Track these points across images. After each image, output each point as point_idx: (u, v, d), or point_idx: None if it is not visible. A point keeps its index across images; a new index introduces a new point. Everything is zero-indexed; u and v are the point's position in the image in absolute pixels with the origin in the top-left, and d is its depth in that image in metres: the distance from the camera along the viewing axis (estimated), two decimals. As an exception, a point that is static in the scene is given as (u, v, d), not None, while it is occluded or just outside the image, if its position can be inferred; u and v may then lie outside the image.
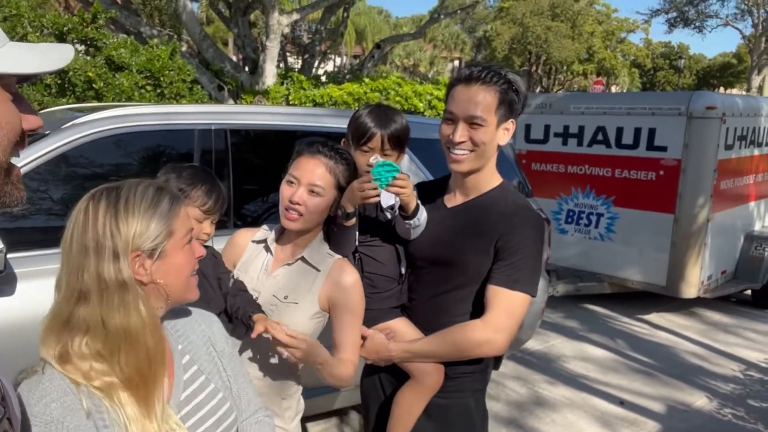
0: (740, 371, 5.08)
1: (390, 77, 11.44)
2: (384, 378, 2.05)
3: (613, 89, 39.08)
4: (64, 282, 1.11)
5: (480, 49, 41.00)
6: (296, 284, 1.81)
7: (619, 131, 6.51)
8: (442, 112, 2.48)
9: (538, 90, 34.71)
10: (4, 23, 5.26)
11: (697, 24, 34.77)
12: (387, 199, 1.89)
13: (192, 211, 1.74)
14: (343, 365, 1.81)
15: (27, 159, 2.66)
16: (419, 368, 1.86)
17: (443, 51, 42.19)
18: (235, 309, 1.78)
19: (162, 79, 6.44)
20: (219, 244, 2.08)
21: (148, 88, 6.32)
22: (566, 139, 6.95)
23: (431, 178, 3.01)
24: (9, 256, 2.34)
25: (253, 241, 1.94)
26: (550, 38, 33.87)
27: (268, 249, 1.90)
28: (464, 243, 1.84)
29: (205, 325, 1.40)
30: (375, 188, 1.75)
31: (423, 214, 1.87)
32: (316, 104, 10.42)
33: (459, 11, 16.44)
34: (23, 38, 5.38)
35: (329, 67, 21.49)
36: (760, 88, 31.28)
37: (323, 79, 13.05)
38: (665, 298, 6.55)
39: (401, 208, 1.84)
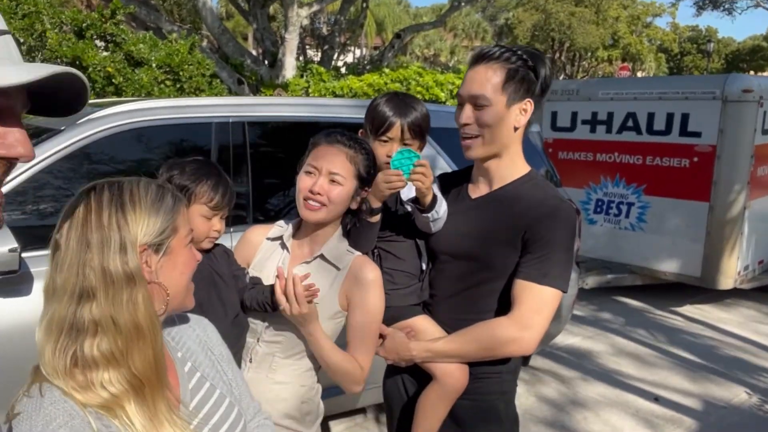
0: (782, 365, 4.88)
1: (410, 67, 11.28)
2: (406, 379, 1.96)
3: (639, 75, 38.31)
4: (61, 283, 1.02)
5: (501, 37, 40.51)
6: (315, 283, 1.71)
7: (651, 117, 6.30)
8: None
9: (561, 77, 34.20)
10: (23, 20, 5.25)
11: (726, 6, 33.87)
12: (408, 191, 1.81)
13: (199, 209, 1.67)
14: (350, 365, 1.71)
15: (43, 155, 2.61)
16: (442, 369, 1.76)
17: (464, 40, 41.75)
18: (254, 300, 1.71)
19: (181, 73, 6.39)
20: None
21: (168, 83, 6.27)
22: (594, 127, 6.76)
23: (455, 168, 2.89)
24: (24, 255, 2.28)
25: (268, 239, 1.86)
26: (574, 24, 33.31)
27: (284, 246, 1.81)
28: (489, 236, 1.73)
29: (200, 329, 1.33)
30: (400, 176, 1.66)
31: (442, 207, 1.76)
32: (336, 96, 10.33)
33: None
34: (42, 35, 5.36)
35: (349, 59, 21.38)
36: (793, 71, 30.35)
37: (343, 70, 12.94)
38: (700, 290, 6.33)
39: (417, 201, 1.74)
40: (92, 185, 1.08)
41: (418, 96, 10.16)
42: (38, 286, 2.38)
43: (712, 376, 4.63)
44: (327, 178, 1.67)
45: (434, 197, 1.71)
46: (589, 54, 37.68)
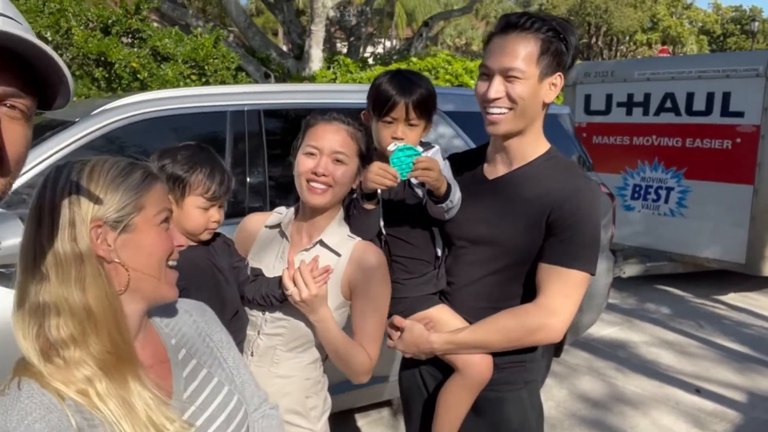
0: (835, 356, 4.60)
1: (439, 55, 11.09)
2: (425, 371, 1.85)
3: (680, 58, 37.03)
4: (22, 264, 0.99)
5: (535, 24, 39.64)
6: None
7: (690, 97, 6.05)
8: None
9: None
10: (49, 18, 5.30)
11: (771, -17, 32.38)
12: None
13: (195, 200, 1.58)
14: (359, 354, 1.63)
15: (56, 147, 2.59)
16: (465, 360, 1.66)
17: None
18: (258, 293, 1.64)
19: (206, 67, 6.39)
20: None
21: (193, 77, 6.28)
22: (630, 109, 6.53)
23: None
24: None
25: (267, 227, 1.78)
26: (611, 7, 32.46)
27: (283, 234, 1.74)
28: (510, 219, 1.62)
29: (197, 314, 1.27)
30: (394, 174, 1.54)
31: (456, 195, 1.65)
32: (364, 87, 10.21)
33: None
34: (67, 32, 5.41)
35: (380, 50, 21.25)
36: None
37: (370, 61, 12.83)
38: (744, 277, 6.06)
39: (430, 192, 1.62)
40: (60, 163, 1.03)
41: (447, 84, 9.98)
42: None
43: (758, 366, 4.40)
44: (330, 158, 1.59)
45: (448, 186, 1.60)
46: (627, 38, 36.68)
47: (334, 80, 10.57)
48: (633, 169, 6.55)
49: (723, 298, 6.03)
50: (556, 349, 3.73)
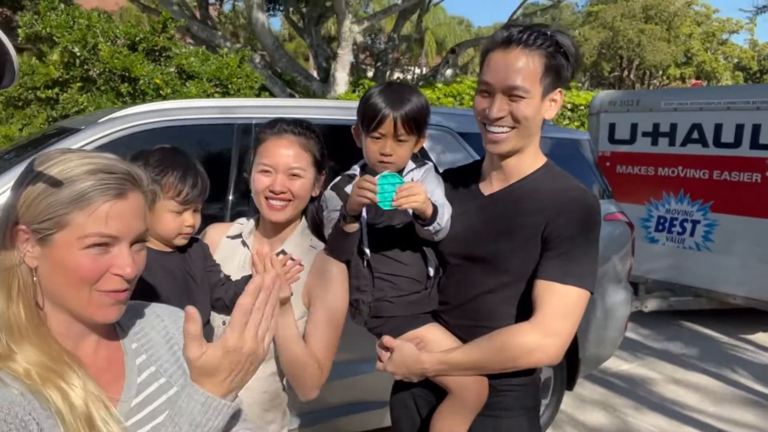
0: None
1: (464, 81, 11.09)
2: (417, 395, 1.76)
3: (714, 93, 36.46)
4: None
5: (567, 56, 39.62)
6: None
7: (718, 128, 5.88)
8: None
9: (629, 96, 33.01)
10: (77, 33, 5.43)
11: (810, 20, 31.88)
12: None
13: (167, 204, 1.54)
14: (310, 365, 1.56)
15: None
16: (458, 382, 1.56)
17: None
18: (227, 295, 1.62)
19: (230, 86, 6.46)
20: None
21: (216, 95, 6.34)
22: (656, 139, 6.37)
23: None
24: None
25: (228, 237, 1.76)
26: (644, 41, 32.23)
27: (244, 244, 1.72)
28: (505, 235, 1.54)
29: (169, 320, 1.20)
30: (372, 195, 1.48)
31: (445, 217, 1.59)
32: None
33: (538, 13, 15.81)
34: (94, 48, 5.52)
35: (408, 77, 21.37)
36: None
37: (396, 85, 12.88)
38: (774, 316, 5.78)
39: (416, 215, 1.55)
40: (41, 153, 1.01)
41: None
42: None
43: (786, 411, 4.16)
44: (285, 174, 1.60)
45: (434, 209, 1.54)
46: (660, 72, 36.33)
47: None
48: (658, 200, 6.37)
49: (750, 337, 5.77)
50: (569, 381, 3.57)
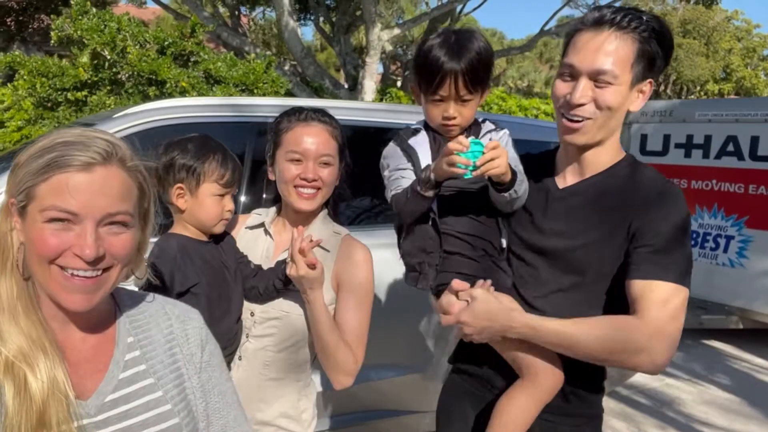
0: None
1: (493, 91, 10.98)
2: (469, 400, 1.61)
3: (754, 109, 35.63)
4: None
5: (601, 70, 39.20)
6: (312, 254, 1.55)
7: (755, 141, 5.68)
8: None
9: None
10: (107, 35, 5.51)
11: None
12: None
13: (210, 188, 1.56)
14: (344, 350, 1.54)
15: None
16: (535, 364, 1.41)
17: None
18: (269, 282, 1.59)
19: (255, 91, 6.50)
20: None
21: (242, 100, 6.40)
22: (690, 151, 6.19)
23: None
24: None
25: (247, 227, 1.74)
26: (681, 56, 31.69)
27: (267, 233, 1.71)
28: (583, 231, 1.42)
29: (178, 322, 1.13)
30: (464, 164, 1.32)
31: (524, 185, 1.45)
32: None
33: (571, 23, 15.50)
34: (122, 52, 5.60)
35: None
36: None
37: (424, 94, 12.85)
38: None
39: (491, 179, 1.40)
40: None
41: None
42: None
43: (824, 438, 3.93)
44: (317, 162, 1.58)
45: (513, 174, 1.40)
46: (698, 87, 35.63)
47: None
48: (690, 214, 6.16)
49: (786, 359, 5.51)
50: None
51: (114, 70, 5.63)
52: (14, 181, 0.94)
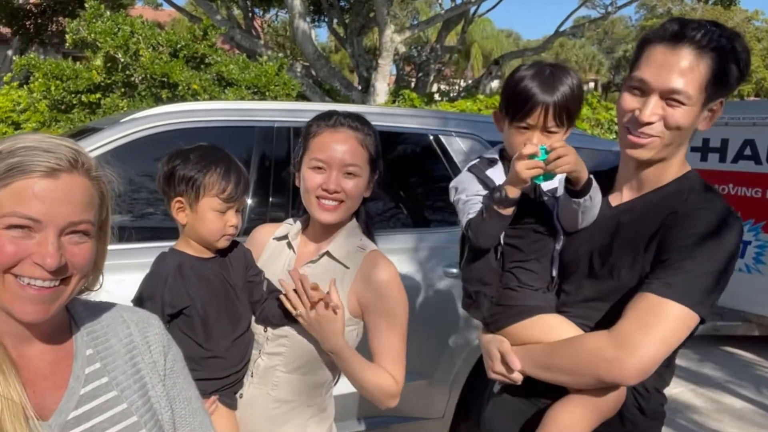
0: None
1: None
2: (517, 407, 1.56)
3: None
4: None
5: (618, 70, 38.84)
6: (318, 285, 1.48)
7: (773, 145, 5.55)
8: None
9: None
10: (120, 38, 5.56)
11: None
12: (550, 181, 1.46)
13: (210, 202, 1.47)
14: (384, 379, 1.47)
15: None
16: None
17: (578, 72, 40.10)
18: (274, 317, 1.53)
19: (267, 93, 6.51)
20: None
21: (254, 102, 6.42)
22: (706, 154, 6.09)
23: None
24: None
25: (275, 238, 1.66)
26: (699, 56, 31.25)
27: (290, 246, 1.62)
28: (622, 252, 1.38)
29: (137, 329, 1.09)
30: (538, 166, 1.33)
31: (598, 194, 1.40)
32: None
33: (587, 24, 15.45)
34: (135, 54, 5.64)
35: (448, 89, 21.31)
36: None
37: (437, 96, 12.81)
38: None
39: (568, 181, 1.37)
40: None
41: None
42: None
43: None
44: (341, 172, 1.48)
45: (589, 179, 1.36)
46: (716, 88, 35.15)
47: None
48: (735, 244, 6.05)
49: (804, 367, 5.40)
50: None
51: (127, 72, 5.68)
52: None
